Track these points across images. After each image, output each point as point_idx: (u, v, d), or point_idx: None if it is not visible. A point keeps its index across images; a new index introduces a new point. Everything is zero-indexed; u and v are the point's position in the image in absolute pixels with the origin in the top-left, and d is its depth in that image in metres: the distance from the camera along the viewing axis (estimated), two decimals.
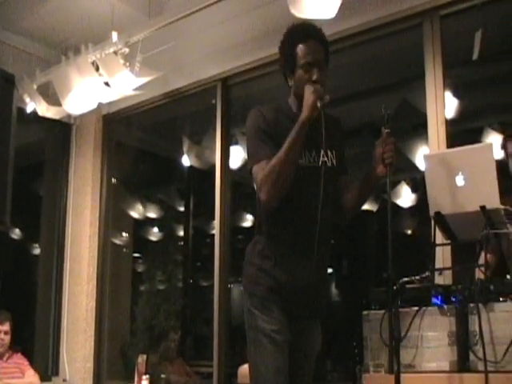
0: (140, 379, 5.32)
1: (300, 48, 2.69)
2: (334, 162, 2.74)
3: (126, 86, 5.17)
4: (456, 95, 5.12)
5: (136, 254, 8.20)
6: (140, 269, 8.37)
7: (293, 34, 2.77)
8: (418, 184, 6.89)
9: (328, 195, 2.65)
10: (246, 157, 2.76)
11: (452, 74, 4.61)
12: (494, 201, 2.63)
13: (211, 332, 5.43)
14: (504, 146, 3.58)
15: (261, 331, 2.64)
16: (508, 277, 2.96)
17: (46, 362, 6.39)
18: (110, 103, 5.84)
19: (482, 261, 3.38)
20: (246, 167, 2.75)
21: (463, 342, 2.54)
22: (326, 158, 2.73)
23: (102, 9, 5.32)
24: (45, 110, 5.75)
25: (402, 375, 2.43)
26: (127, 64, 5.09)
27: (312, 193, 2.65)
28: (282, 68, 2.80)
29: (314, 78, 2.65)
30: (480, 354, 2.43)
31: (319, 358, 2.89)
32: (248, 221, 7.74)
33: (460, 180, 2.69)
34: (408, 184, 7.55)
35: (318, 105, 2.55)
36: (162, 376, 6.26)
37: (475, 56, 4.49)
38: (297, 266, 2.68)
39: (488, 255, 3.44)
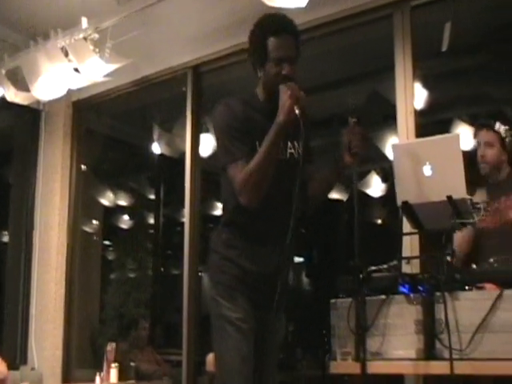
0: (109, 367, 5.31)
1: (271, 41, 2.65)
2: (301, 152, 2.74)
3: (95, 72, 5.13)
4: (426, 86, 5.15)
5: (106, 242, 8.17)
6: (110, 256, 8.35)
7: (264, 25, 2.71)
8: (388, 174, 6.94)
9: (296, 187, 2.64)
10: (218, 153, 2.72)
11: (422, 65, 4.64)
12: (460, 191, 2.64)
13: (181, 320, 5.43)
14: (475, 135, 3.64)
15: (226, 319, 2.65)
16: (474, 266, 3.00)
17: (14, 351, 6.33)
18: (80, 90, 5.77)
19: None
20: (216, 162, 2.73)
21: (429, 330, 2.56)
22: (292, 150, 2.74)
23: None
24: (13, 95, 5.67)
25: (369, 363, 2.46)
26: (97, 50, 5.04)
27: (280, 186, 2.64)
28: (251, 58, 2.75)
29: (284, 72, 2.63)
30: (446, 342, 2.45)
31: (289, 347, 2.92)
32: (218, 209, 7.75)
33: (427, 170, 2.71)
34: (378, 174, 7.62)
35: (297, 111, 2.51)
36: (132, 364, 6.26)
37: (444, 48, 4.53)
38: (262, 255, 2.69)
39: (460, 241, 3.49)
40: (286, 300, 2.83)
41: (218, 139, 2.73)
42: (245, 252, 2.69)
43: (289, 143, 2.72)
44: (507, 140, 3.49)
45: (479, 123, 3.66)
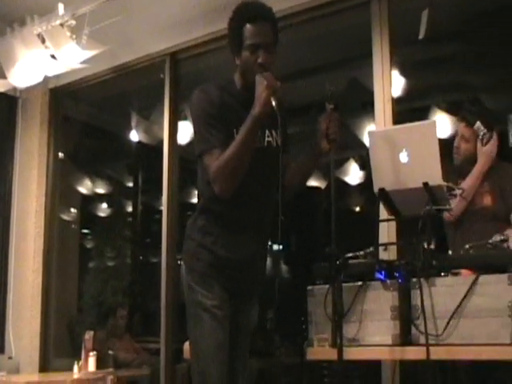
0: (87, 356, 5.29)
1: (247, 28, 2.61)
2: (279, 141, 2.73)
3: (72, 58, 5.08)
4: (403, 74, 5.17)
5: (84, 230, 8.13)
6: (88, 245, 8.31)
7: (241, 12, 2.68)
8: (366, 161, 6.95)
9: (273, 175, 2.61)
10: (194, 140, 2.71)
11: (399, 52, 4.64)
12: (436, 177, 2.66)
13: (159, 308, 5.43)
14: (457, 124, 3.69)
15: (201, 306, 2.64)
16: (450, 252, 3.03)
17: None
18: (57, 77, 5.72)
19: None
20: (193, 149, 2.72)
21: (405, 316, 2.58)
22: (270, 138, 2.73)
23: None
24: None
25: (346, 349, 2.46)
26: (74, 37, 5.00)
27: (258, 174, 2.63)
28: (230, 45, 2.73)
29: (260, 60, 2.59)
30: (422, 328, 2.47)
31: (267, 334, 2.92)
32: (196, 197, 7.73)
33: (404, 157, 2.72)
34: (356, 161, 7.63)
35: (273, 103, 2.48)
36: (110, 352, 6.24)
37: (421, 35, 4.54)
38: (238, 243, 2.68)
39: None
40: (261, 287, 2.83)
41: (194, 125, 2.71)
42: (220, 239, 2.68)
43: (267, 131, 2.71)
44: (483, 142, 3.51)
45: (461, 115, 3.69)
